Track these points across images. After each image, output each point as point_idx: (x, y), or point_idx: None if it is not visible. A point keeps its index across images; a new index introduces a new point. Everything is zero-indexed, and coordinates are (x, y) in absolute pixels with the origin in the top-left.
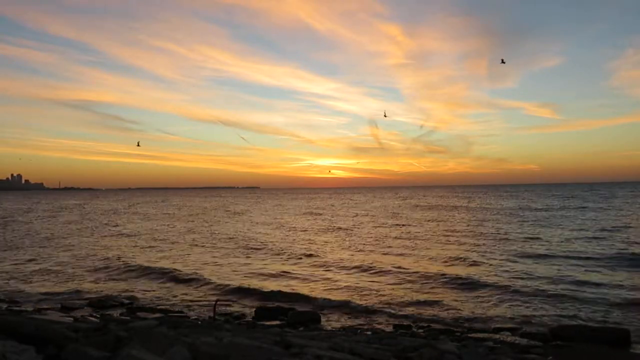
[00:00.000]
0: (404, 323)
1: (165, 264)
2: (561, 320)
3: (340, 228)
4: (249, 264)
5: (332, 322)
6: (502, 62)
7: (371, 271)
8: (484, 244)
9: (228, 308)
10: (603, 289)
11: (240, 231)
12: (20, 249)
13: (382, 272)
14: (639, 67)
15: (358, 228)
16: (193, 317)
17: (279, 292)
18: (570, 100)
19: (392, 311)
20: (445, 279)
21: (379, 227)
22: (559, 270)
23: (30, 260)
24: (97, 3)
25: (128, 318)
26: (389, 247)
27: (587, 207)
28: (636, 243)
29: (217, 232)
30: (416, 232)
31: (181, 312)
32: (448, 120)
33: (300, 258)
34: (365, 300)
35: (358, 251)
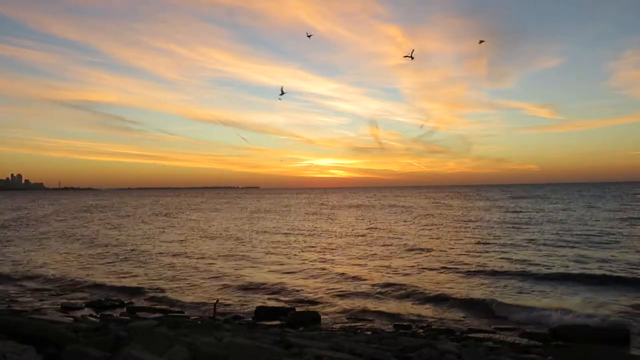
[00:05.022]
0: (404, 323)
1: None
2: (561, 320)
3: (338, 227)
4: (250, 263)
5: (332, 322)
6: (481, 42)
7: (369, 270)
8: (480, 243)
9: (228, 308)
10: (601, 288)
11: (242, 230)
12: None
13: (381, 272)
14: (639, 68)
15: (356, 227)
16: (193, 317)
17: (279, 291)
18: (570, 101)
19: (392, 311)
20: (444, 279)
21: (376, 226)
22: (558, 270)
23: None
24: (98, 4)
25: (128, 318)
26: (387, 246)
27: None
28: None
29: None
30: (413, 232)
31: (181, 312)
32: (448, 121)
33: (300, 257)
34: (365, 300)
35: (355, 250)
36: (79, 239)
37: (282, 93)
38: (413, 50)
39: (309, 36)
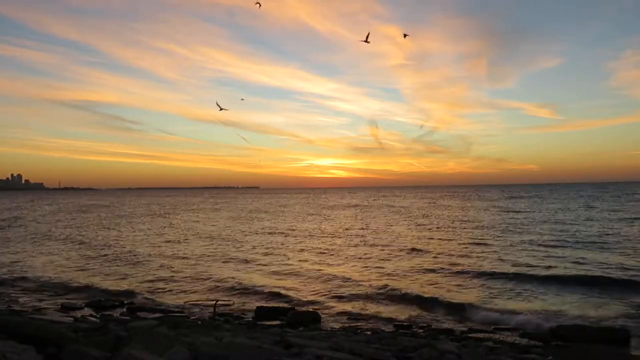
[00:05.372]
0: (404, 323)
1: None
2: (561, 320)
3: (336, 228)
4: (249, 264)
5: (332, 322)
6: (405, 35)
7: (369, 271)
8: (479, 243)
9: (228, 308)
10: (602, 288)
11: (242, 229)
12: None
13: (379, 273)
14: (639, 68)
15: (354, 228)
16: (193, 317)
17: (279, 291)
18: (570, 100)
19: (392, 311)
20: (444, 279)
21: (373, 227)
22: (558, 270)
23: None
24: (98, 4)
25: (128, 318)
26: (385, 247)
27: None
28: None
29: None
30: (410, 233)
31: (181, 312)
32: (448, 121)
33: (298, 258)
34: (364, 300)
35: (353, 251)
36: (75, 240)
37: (221, 109)
38: (369, 34)
39: (257, 3)
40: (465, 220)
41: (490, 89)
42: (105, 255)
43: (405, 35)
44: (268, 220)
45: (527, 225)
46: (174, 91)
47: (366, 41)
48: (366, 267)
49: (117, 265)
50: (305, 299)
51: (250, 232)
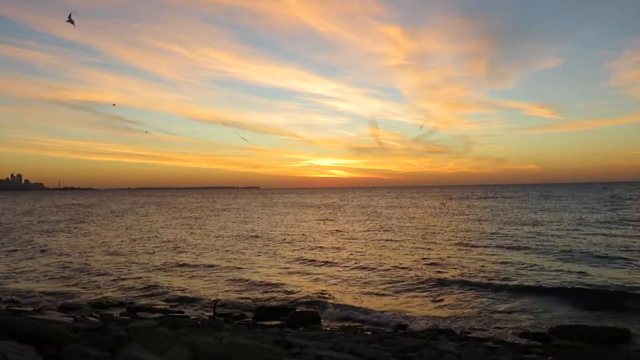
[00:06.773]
0: (404, 323)
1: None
2: (561, 320)
3: (338, 230)
4: (247, 265)
5: (332, 322)
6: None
7: (368, 271)
8: (479, 243)
9: (228, 308)
10: (601, 288)
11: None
12: None
13: (379, 272)
14: (639, 68)
15: (355, 229)
16: (193, 317)
17: (278, 292)
18: (570, 101)
19: (393, 311)
20: (444, 279)
21: (372, 228)
22: (557, 269)
23: None
24: (98, 4)
25: (128, 318)
26: (385, 247)
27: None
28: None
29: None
30: (410, 232)
31: (181, 312)
32: (448, 121)
33: (299, 258)
34: (364, 300)
35: (354, 251)
36: (36, 244)
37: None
38: (70, 15)
39: None
40: (459, 219)
41: (490, 89)
42: (93, 262)
43: (70, 19)
44: (264, 221)
45: (501, 227)
46: (174, 91)
47: (70, 21)
48: (365, 266)
49: (106, 274)
50: (305, 299)
51: (245, 234)
